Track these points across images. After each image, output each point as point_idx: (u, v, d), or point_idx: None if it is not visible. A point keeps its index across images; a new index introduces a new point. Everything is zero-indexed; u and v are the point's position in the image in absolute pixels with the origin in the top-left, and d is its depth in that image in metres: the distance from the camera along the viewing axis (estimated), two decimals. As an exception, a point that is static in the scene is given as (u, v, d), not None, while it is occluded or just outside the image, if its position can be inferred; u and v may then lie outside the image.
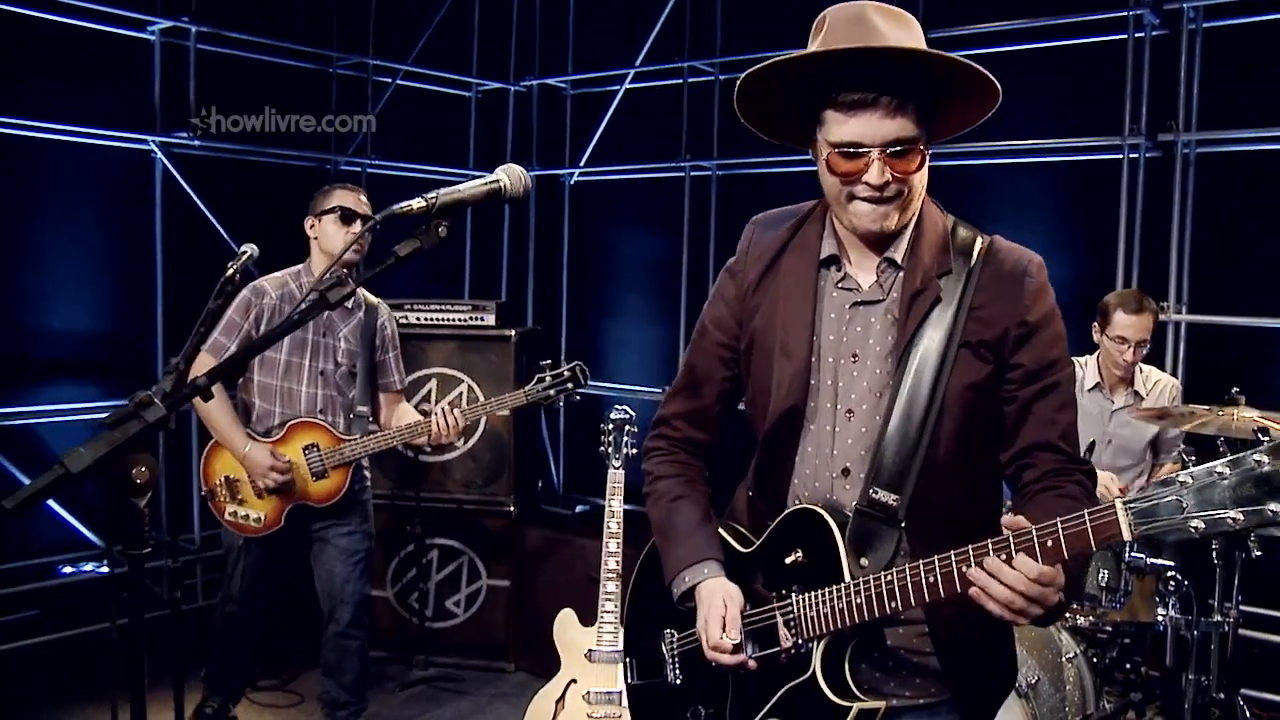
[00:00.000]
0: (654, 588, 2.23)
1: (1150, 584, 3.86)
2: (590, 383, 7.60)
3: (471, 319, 5.46)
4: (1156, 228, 5.06)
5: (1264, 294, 4.96)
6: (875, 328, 1.98)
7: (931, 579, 1.78)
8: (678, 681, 2.19)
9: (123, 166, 5.69)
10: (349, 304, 4.07)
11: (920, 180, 1.92)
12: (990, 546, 1.71)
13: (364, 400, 4.13)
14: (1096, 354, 4.46)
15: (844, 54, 1.81)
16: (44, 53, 5.33)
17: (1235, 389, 3.69)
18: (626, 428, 4.24)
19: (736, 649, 2.01)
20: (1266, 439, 1.47)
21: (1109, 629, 3.95)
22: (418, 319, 5.49)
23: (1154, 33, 5.11)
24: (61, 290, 5.57)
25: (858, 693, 1.91)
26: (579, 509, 7.49)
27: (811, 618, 1.93)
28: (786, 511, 2.04)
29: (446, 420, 4.02)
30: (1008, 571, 1.68)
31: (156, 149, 5.69)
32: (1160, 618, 3.80)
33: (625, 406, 4.33)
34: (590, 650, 4.03)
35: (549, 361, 4.40)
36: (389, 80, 6.83)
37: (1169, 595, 3.72)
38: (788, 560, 1.99)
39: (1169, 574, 3.69)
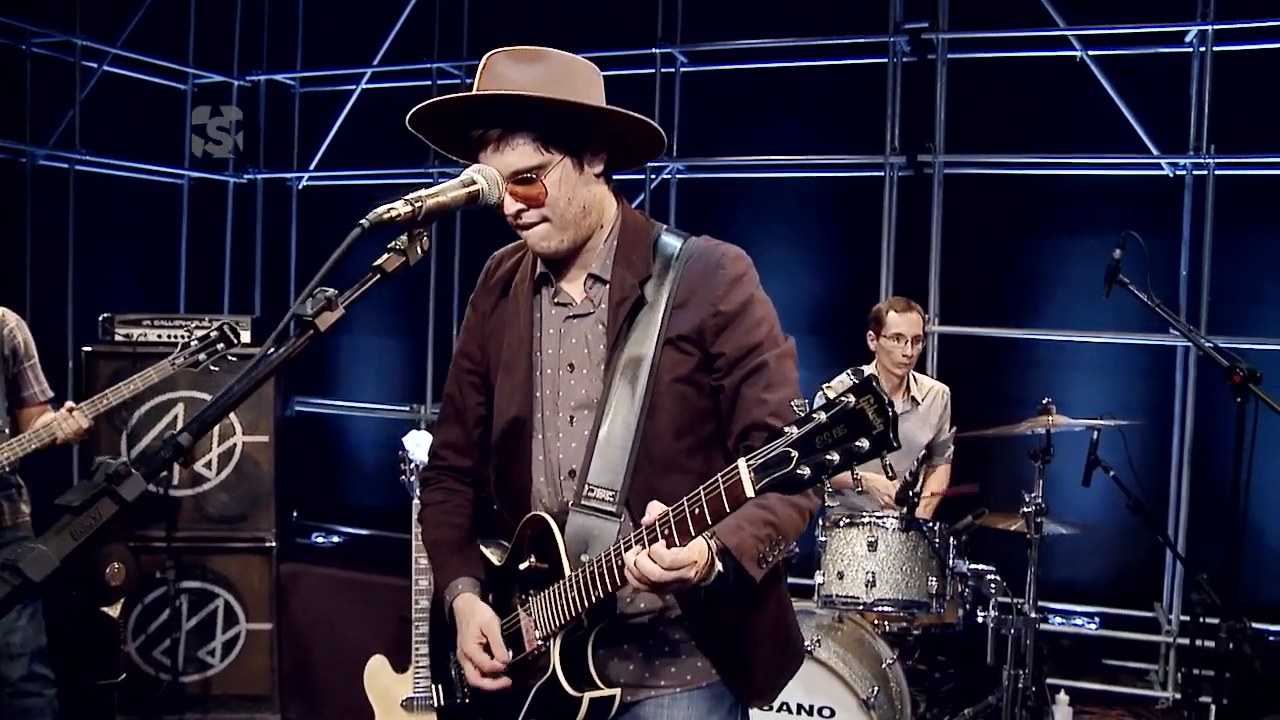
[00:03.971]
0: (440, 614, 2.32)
1: (955, 586, 4.04)
2: (321, 400, 7.24)
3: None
4: (916, 244, 5.35)
5: (1006, 306, 5.37)
6: (589, 338, 2.09)
7: (620, 562, 1.84)
8: (466, 701, 2.26)
9: None
10: None
11: (567, 202, 1.99)
12: (644, 533, 1.77)
13: None
14: (874, 363, 4.63)
15: (441, 105, 2.00)
16: None
17: (1046, 399, 3.95)
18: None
19: (491, 672, 2.07)
20: (853, 379, 1.53)
21: (917, 632, 4.10)
22: (158, 336, 4.85)
23: (905, 59, 5.42)
24: None
25: (598, 682, 2.00)
26: (316, 538, 6.97)
27: (544, 617, 2.02)
28: (521, 522, 2.13)
29: (69, 422, 3.67)
30: (647, 564, 1.76)
31: None
32: (981, 618, 4.00)
33: (427, 433, 4.02)
34: (408, 698, 3.71)
35: (196, 322, 4.29)
36: (95, 65, 6.04)
37: (990, 596, 3.91)
38: (523, 566, 2.08)
39: (988, 576, 3.87)
